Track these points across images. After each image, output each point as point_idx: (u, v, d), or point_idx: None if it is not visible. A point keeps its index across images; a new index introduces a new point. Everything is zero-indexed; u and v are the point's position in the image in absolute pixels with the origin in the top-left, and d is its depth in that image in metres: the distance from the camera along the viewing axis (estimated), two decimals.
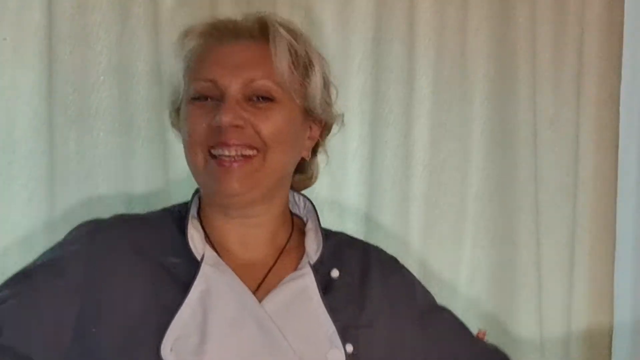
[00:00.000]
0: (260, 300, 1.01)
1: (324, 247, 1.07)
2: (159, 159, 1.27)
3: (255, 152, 1.02)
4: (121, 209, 1.25)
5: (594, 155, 1.48)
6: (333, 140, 1.19)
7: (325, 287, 1.05)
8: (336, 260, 1.08)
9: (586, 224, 1.49)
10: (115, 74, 1.24)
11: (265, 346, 0.98)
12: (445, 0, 1.38)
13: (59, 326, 0.98)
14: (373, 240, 1.33)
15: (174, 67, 1.09)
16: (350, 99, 1.34)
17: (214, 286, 1.01)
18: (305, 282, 1.04)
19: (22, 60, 1.19)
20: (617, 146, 1.50)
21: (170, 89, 1.11)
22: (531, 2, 1.42)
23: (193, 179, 1.22)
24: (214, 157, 1.01)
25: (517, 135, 1.41)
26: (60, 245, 1.06)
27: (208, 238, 1.07)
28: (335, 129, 1.14)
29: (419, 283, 1.15)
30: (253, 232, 1.07)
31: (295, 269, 1.06)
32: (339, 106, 1.16)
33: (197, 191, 1.10)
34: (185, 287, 1.00)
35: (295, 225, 1.12)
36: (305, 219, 1.13)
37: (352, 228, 1.35)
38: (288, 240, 1.09)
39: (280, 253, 1.08)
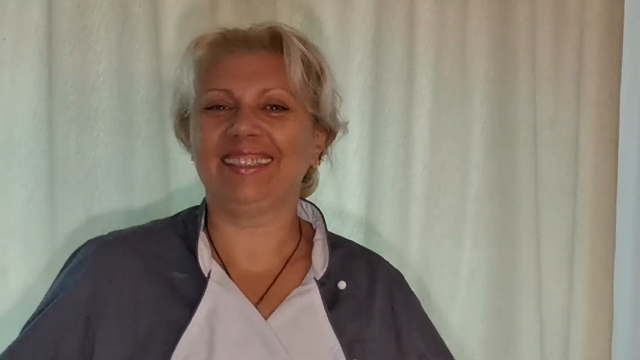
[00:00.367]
0: (264, 312, 1.02)
1: (330, 261, 1.07)
2: (159, 159, 1.27)
3: (269, 160, 1.02)
4: (121, 209, 1.25)
5: (594, 155, 1.48)
6: (333, 140, 1.19)
7: (332, 299, 1.05)
8: (344, 271, 1.09)
9: (586, 224, 1.48)
10: (115, 74, 1.24)
11: None
12: (445, 0, 1.38)
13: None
14: (373, 241, 1.34)
15: (181, 76, 1.10)
16: (350, 99, 1.34)
17: (221, 304, 1.01)
18: (311, 298, 1.04)
19: (22, 60, 1.19)
20: (617, 146, 1.50)
21: (176, 98, 1.11)
22: (531, 2, 1.42)
23: (193, 181, 1.23)
24: (227, 165, 1.02)
25: (517, 135, 1.41)
26: (66, 274, 1.06)
27: (215, 250, 1.07)
28: (338, 136, 1.15)
29: (422, 309, 1.16)
30: (261, 242, 1.08)
31: (301, 280, 1.06)
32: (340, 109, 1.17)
33: (204, 201, 1.10)
34: (191, 304, 1.00)
35: (304, 233, 1.12)
36: (314, 226, 1.13)
37: (352, 228, 1.35)
38: (295, 250, 1.10)
39: (286, 263, 1.08)
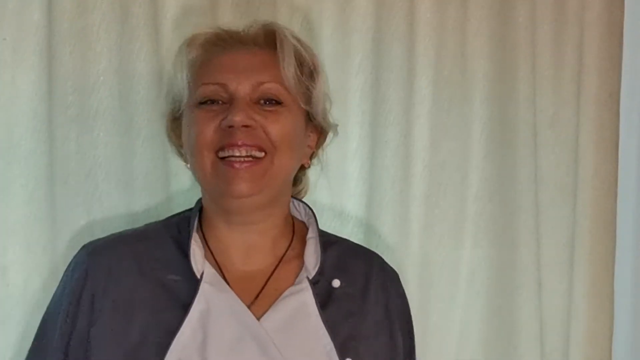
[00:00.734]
0: (258, 312, 1.02)
1: (322, 260, 1.07)
2: (159, 159, 1.26)
3: (263, 154, 1.02)
4: (121, 209, 1.25)
5: (594, 155, 1.48)
6: (333, 139, 1.20)
7: (326, 297, 1.05)
8: (338, 269, 1.09)
9: (586, 224, 1.48)
10: (115, 74, 1.24)
11: None
12: (445, 0, 1.38)
13: None
14: (373, 241, 1.34)
15: (173, 76, 1.10)
16: (350, 99, 1.34)
17: (214, 306, 1.01)
18: (303, 298, 1.04)
19: (22, 60, 1.19)
20: (617, 146, 1.50)
21: (169, 98, 1.12)
22: (531, 2, 1.42)
23: (194, 181, 1.23)
24: (221, 159, 1.01)
25: (517, 135, 1.41)
26: (63, 281, 1.07)
27: (209, 251, 1.07)
28: (328, 139, 1.16)
29: (410, 316, 1.16)
30: (255, 239, 1.08)
31: (294, 280, 1.06)
32: (337, 110, 1.18)
33: (198, 202, 1.10)
34: (184, 306, 1.00)
35: (297, 232, 1.12)
36: (307, 224, 1.14)
37: (352, 228, 1.35)
38: (287, 249, 1.10)
39: (279, 262, 1.08)
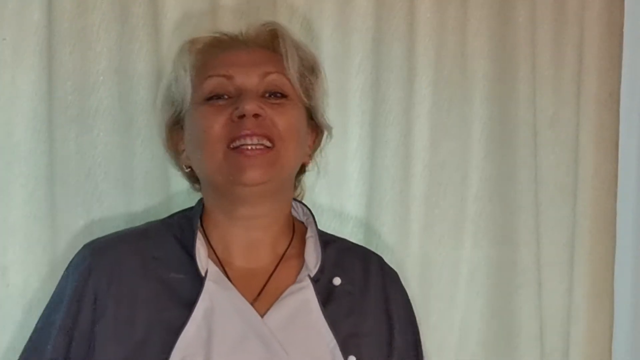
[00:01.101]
0: (261, 310, 1.02)
1: (322, 258, 1.08)
2: (159, 158, 1.26)
3: (271, 145, 1.03)
4: (121, 209, 1.25)
5: (594, 155, 1.48)
6: (333, 139, 1.20)
7: (327, 295, 1.06)
8: (338, 268, 1.09)
9: (586, 224, 1.48)
10: (115, 74, 1.24)
11: None
12: (445, 0, 1.38)
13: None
14: (373, 241, 1.34)
15: (173, 79, 1.10)
16: (350, 99, 1.34)
17: (218, 304, 1.01)
18: (305, 296, 1.04)
19: (22, 60, 1.19)
20: (617, 146, 1.50)
21: (167, 104, 1.12)
22: (531, 2, 1.42)
23: (185, 177, 1.23)
24: (232, 149, 1.02)
25: (517, 135, 1.41)
26: (64, 280, 1.07)
27: (212, 248, 1.07)
28: (323, 141, 1.17)
29: (413, 312, 1.16)
30: (257, 235, 1.08)
31: (295, 278, 1.07)
32: (337, 110, 1.18)
33: (199, 202, 1.11)
34: (189, 305, 1.01)
35: (297, 231, 1.13)
36: (306, 224, 1.14)
37: (352, 228, 1.35)
38: (288, 247, 1.10)
39: (280, 260, 1.08)
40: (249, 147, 1.01)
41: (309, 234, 1.12)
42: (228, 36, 1.12)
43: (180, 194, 1.28)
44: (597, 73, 1.47)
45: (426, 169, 1.38)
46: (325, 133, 1.17)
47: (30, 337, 1.08)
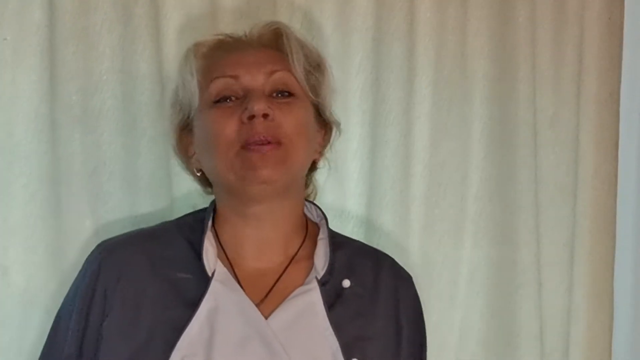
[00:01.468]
0: (267, 311, 1.03)
1: (331, 260, 1.08)
2: (163, 159, 1.27)
3: (281, 145, 1.03)
4: (125, 209, 1.25)
5: (594, 155, 1.48)
6: (334, 139, 1.20)
7: (335, 297, 1.06)
8: (348, 270, 1.09)
9: (586, 224, 1.48)
10: (118, 74, 1.25)
11: None
12: (445, 0, 1.38)
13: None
14: (373, 241, 1.34)
15: (180, 84, 1.11)
16: (350, 99, 1.34)
17: (222, 304, 1.02)
18: (311, 298, 1.05)
19: (23, 60, 1.20)
20: (617, 146, 1.50)
21: (176, 109, 1.13)
22: (531, 2, 1.42)
23: (196, 181, 1.23)
24: (244, 149, 1.02)
25: (517, 135, 1.41)
26: (78, 279, 1.09)
27: (222, 249, 1.07)
28: (334, 135, 1.17)
29: (423, 320, 1.16)
30: (268, 234, 1.08)
31: (304, 280, 1.07)
32: (337, 110, 1.18)
33: (212, 203, 1.11)
34: (193, 304, 1.01)
35: (310, 233, 1.13)
36: (319, 225, 1.14)
37: (353, 228, 1.35)
38: (299, 249, 1.10)
39: (290, 261, 1.09)
40: (260, 145, 1.02)
41: (320, 235, 1.12)
42: (232, 38, 1.13)
43: (184, 193, 1.28)
44: (597, 73, 1.47)
45: (426, 169, 1.38)
46: (335, 129, 1.17)
47: (49, 335, 1.09)
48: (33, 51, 1.20)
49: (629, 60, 1.50)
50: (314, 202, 1.18)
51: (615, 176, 1.50)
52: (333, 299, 1.06)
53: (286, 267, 1.08)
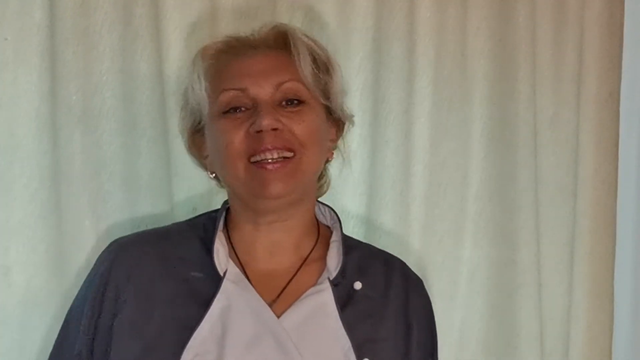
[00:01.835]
0: (279, 311, 1.03)
1: (344, 262, 1.08)
2: (163, 158, 1.27)
3: (292, 154, 1.04)
4: (125, 209, 1.25)
5: (594, 155, 1.48)
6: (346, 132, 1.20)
7: (347, 299, 1.06)
8: (360, 272, 1.10)
9: (586, 224, 1.48)
10: (119, 74, 1.25)
11: None
12: (445, 0, 1.38)
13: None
14: (373, 241, 1.34)
15: (190, 89, 1.11)
16: (351, 99, 1.34)
17: (235, 303, 1.02)
18: (323, 298, 1.05)
19: (24, 60, 1.20)
20: (617, 146, 1.50)
21: (187, 112, 1.13)
22: (531, 2, 1.42)
23: (197, 180, 1.23)
24: (253, 163, 1.03)
25: (517, 135, 1.41)
26: (90, 277, 1.09)
27: (233, 250, 1.08)
28: (346, 128, 1.17)
29: (434, 323, 1.16)
30: (280, 237, 1.09)
31: (316, 281, 1.07)
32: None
33: (225, 203, 1.12)
34: (206, 303, 1.02)
35: (322, 235, 1.13)
36: (331, 228, 1.15)
37: (353, 228, 1.36)
38: (311, 251, 1.11)
39: (303, 263, 1.09)
40: (269, 161, 1.02)
41: (333, 238, 1.12)
42: (239, 40, 1.12)
43: (184, 193, 1.28)
44: (597, 73, 1.47)
45: (426, 169, 1.38)
46: (347, 124, 1.17)
47: (60, 333, 1.10)
48: (33, 51, 1.20)
49: (629, 60, 1.50)
50: (328, 204, 1.18)
51: (615, 176, 1.50)
52: (345, 300, 1.06)
53: (298, 269, 1.08)
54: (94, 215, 1.24)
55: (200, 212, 1.17)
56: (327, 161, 1.15)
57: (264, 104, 1.04)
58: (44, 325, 1.21)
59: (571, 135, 1.46)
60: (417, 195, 1.38)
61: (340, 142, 1.18)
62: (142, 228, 1.23)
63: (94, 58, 1.24)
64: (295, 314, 1.03)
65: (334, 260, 1.09)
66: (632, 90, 1.52)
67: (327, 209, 1.17)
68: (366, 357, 1.02)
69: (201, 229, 1.10)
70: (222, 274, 1.04)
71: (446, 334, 1.39)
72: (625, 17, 1.49)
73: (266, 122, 1.02)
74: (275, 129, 1.02)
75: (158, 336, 1.00)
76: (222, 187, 1.17)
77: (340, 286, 1.07)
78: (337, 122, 1.15)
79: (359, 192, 1.36)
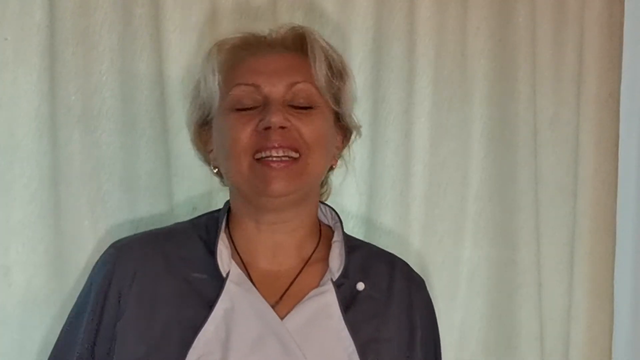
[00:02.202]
0: (282, 312, 1.03)
1: (346, 262, 1.08)
2: (163, 158, 1.27)
3: (297, 155, 1.04)
4: (125, 209, 1.25)
5: (594, 155, 1.48)
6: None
7: (350, 300, 1.06)
8: (363, 273, 1.10)
9: (586, 224, 1.48)
10: (118, 74, 1.25)
11: None
12: (445, 0, 1.38)
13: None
14: (373, 240, 1.34)
15: (202, 81, 1.11)
16: None
17: (238, 304, 1.02)
18: (326, 300, 1.05)
19: (24, 60, 1.20)
20: (617, 146, 1.50)
21: (196, 105, 1.13)
22: (531, 2, 1.42)
23: (197, 180, 1.23)
24: (257, 160, 1.03)
25: (517, 135, 1.41)
26: (92, 278, 1.09)
27: (236, 250, 1.08)
28: (352, 138, 1.17)
29: (436, 323, 1.17)
30: (283, 239, 1.09)
31: (319, 282, 1.07)
32: None
33: (226, 204, 1.11)
34: (209, 304, 1.02)
35: (324, 236, 1.13)
36: (333, 228, 1.15)
37: (353, 228, 1.35)
38: (314, 252, 1.11)
39: (305, 264, 1.09)
40: (274, 159, 1.02)
41: (335, 238, 1.12)
42: (255, 38, 1.12)
43: (184, 193, 1.28)
44: (597, 73, 1.47)
45: (426, 169, 1.38)
46: (354, 133, 1.17)
47: (60, 335, 1.09)
48: (33, 51, 1.20)
49: (629, 60, 1.50)
50: (330, 205, 1.18)
51: (615, 176, 1.50)
52: (348, 301, 1.06)
53: (301, 270, 1.08)
54: (94, 215, 1.24)
55: (200, 212, 1.17)
56: (331, 169, 1.15)
57: (274, 102, 1.04)
58: (44, 325, 1.21)
59: (571, 135, 1.46)
60: (417, 195, 1.38)
61: (345, 151, 1.18)
62: (142, 228, 1.23)
63: (93, 58, 1.24)
64: (299, 316, 1.03)
65: (336, 261, 1.09)
66: (632, 90, 1.52)
67: (328, 208, 1.17)
68: (370, 358, 1.03)
69: (203, 230, 1.10)
70: (224, 275, 1.04)
71: (446, 334, 1.39)
72: (625, 17, 1.49)
73: (275, 119, 1.02)
74: (283, 128, 1.02)
75: (162, 337, 1.00)
76: (224, 184, 1.17)
77: (343, 287, 1.07)
78: (344, 129, 1.15)
79: (359, 192, 1.36)
